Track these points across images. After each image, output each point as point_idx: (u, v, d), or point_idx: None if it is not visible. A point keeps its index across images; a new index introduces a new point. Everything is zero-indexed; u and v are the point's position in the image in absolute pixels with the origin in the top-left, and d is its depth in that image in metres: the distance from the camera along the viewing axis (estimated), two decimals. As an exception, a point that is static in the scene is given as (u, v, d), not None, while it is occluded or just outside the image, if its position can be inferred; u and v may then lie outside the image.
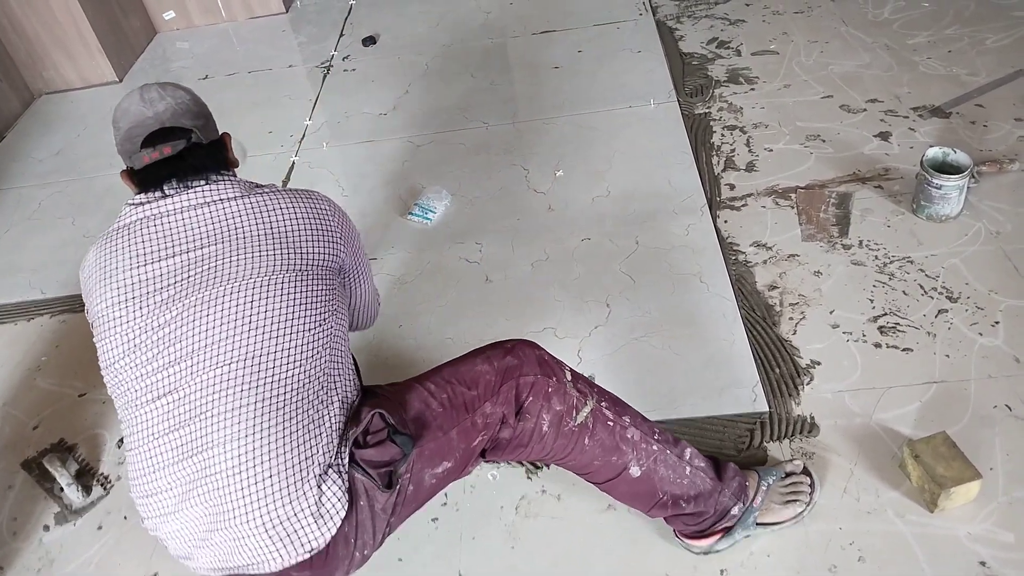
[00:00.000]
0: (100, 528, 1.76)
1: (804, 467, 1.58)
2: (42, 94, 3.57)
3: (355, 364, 1.40)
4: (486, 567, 1.55)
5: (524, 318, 2.04)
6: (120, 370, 1.24)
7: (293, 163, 2.78)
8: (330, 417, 1.21)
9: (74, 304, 2.35)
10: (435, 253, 2.30)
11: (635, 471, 1.39)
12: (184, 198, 1.29)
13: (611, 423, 1.38)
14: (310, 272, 1.28)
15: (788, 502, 1.51)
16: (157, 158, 1.29)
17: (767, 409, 1.73)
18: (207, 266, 1.25)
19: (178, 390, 1.19)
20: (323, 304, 1.28)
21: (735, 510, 1.46)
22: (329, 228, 1.35)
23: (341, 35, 3.58)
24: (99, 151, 3.08)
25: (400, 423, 1.24)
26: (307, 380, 1.21)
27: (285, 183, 2.68)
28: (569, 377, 1.37)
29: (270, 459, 1.14)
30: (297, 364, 1.20)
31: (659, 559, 1.51)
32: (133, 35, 3.70)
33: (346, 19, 3.70)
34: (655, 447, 1.40)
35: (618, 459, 1.38)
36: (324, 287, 1.30)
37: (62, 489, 1.80)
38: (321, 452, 1.18)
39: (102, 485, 1.84)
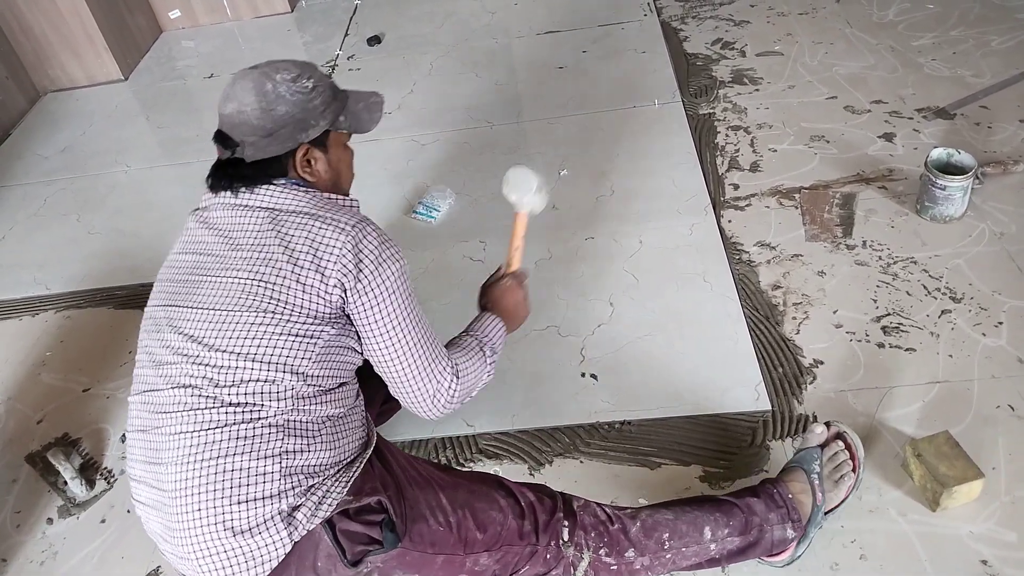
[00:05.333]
0: (103, 522, 1.76)
1: (832, 431, 1.53)
2: (48, 92, 3.58)
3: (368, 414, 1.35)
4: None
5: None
6: (139, 343, 1.29)
7: (298, 161, 2.78)
8: (280, 462, 1.15)
9: (79, 300, 2.36)
10: (439, 251, 2.30)
11: None
12: (226, 196, 1.29)
13: (614, 567, 1.34)
14: (280, 314, 1.18)
15: (839, 479, 1.49)
16: (218, 155, 1.32)
17: (770, 408, 1.73)
18: (196, 276, 1.25)
19: (150, 392, 1.22)
20: (279, 357, 1.18)
21: (790, 532, 1.41)
22: (320, 267, 1.20)
23: (346, 35, 3.59)
24: (104, 149, 3.09)
25: (400, 516, 1.21)
26: (248, 426, 1.15)
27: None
28: (566, 536, 1.32)
29: (199, 493, 1.13)
30: (236, 409, 1.16)
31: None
32: (139, 33, 3.72)
33: (351, 19, 3.71)
34: (668, 555, 1.37)
35: None
36: (294, 337, 1.19)
37: (66, 483, 1.80)
38: (260, 500, 1.13)
39: (105, 479, 1.84)
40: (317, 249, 1.21)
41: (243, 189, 1.28)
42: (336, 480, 1.19)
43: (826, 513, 1.47)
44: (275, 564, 1.14)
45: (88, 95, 3.51)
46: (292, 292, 1.20)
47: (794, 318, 1.92)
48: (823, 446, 1.52)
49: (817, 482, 1.46)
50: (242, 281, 1.21)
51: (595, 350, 1.93)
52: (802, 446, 1.54)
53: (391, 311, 1.25)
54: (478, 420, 1.82)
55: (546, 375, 1.89)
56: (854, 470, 1.51)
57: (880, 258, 2.03)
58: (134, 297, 2.34)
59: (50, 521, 1.78)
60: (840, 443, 1.53)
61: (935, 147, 2.13)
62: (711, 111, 2.67)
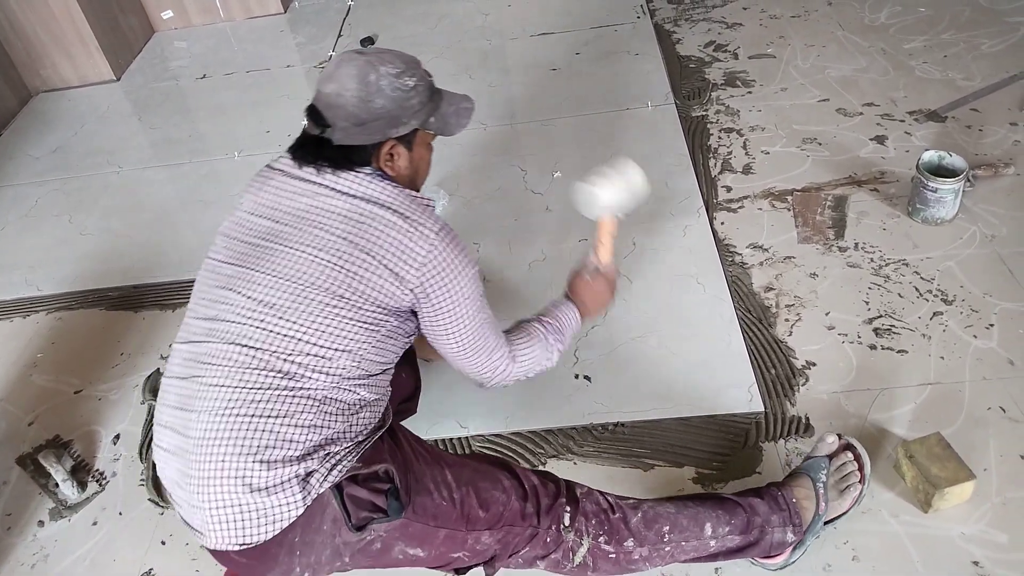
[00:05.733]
0: (95, 524, 1.75)
1: (842, 441, 1.54)
2: (39, 92, 3.56)
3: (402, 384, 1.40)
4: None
5: (521, 319, 2.04)
6: (194, 292, 1.33)
7: (291, 162, 2.78)
8: (309, 433, 1.18)
9: (70, 302, 2.35)
10: (432, 253, 2.30)
11: (655, 571, 1.41)
12: (310, 169, 1.31)
13: (612, 555, 1.35)
14: (355, 302, 1.23)
15: (844, 490, 1.49)
16: (306, 128, 1.34)
17: (762, 409, 1.73)
18: (271, 242, 1.27)
19: (200, 343, 1.24)
20: (342, 339, 1.22)
21: (789, 536, 1.42)
22: (400, 271, 1.24)
23: (339, 36, 3.58)
24: (96, 149, 3.08)
25: (404, 487, 1.23)
26: (289, 394, 1.19)
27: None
28: (568, 522, 1.34)
29: (226, 445, 1.16)
30: (283, 376, 1.20)
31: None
32: (131, 34, 3.70)
33: (344, 20, 3.71)
34: (667, 548, 1.38)
35: (631, 574, 1.39)
36: (362, 323, 1.24)
37: (57, 485, 1.79)
38: (282, 462, 1.16)
39: (97, 481, 1.84)
40: (401, 252, 1.25)
41: (327, 170, 1.29)
42: (350, 452, 1.22)
43: (827, 523, 1.48)
44: (285, 525, 1.17)
45: (80, 95, 3.49)
46: (370, 284, 1.24)
47: (786, 320, 1.93)
48: (832, 456, 1.53)
49: (822, 491, 1.46)
50: (323, 263, 1.23)
51: (588, 352, 1.93)
52: (811, 454, 1.55)
53: (459, 315, 1.32)
54: (472, 422, 1.82)
55: (539, 377, 1.89)
56: (861, 482, 1.51)
57: (872, 260, 2.04)
58: (126, 298, 2.33)
59: (41, 523, 1.77)
60: (849, 454, 1.53)
61: (926, 150, 2.14)
62: (704, 113, 2.68)
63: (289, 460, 1.16)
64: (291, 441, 1.17)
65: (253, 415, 1.17)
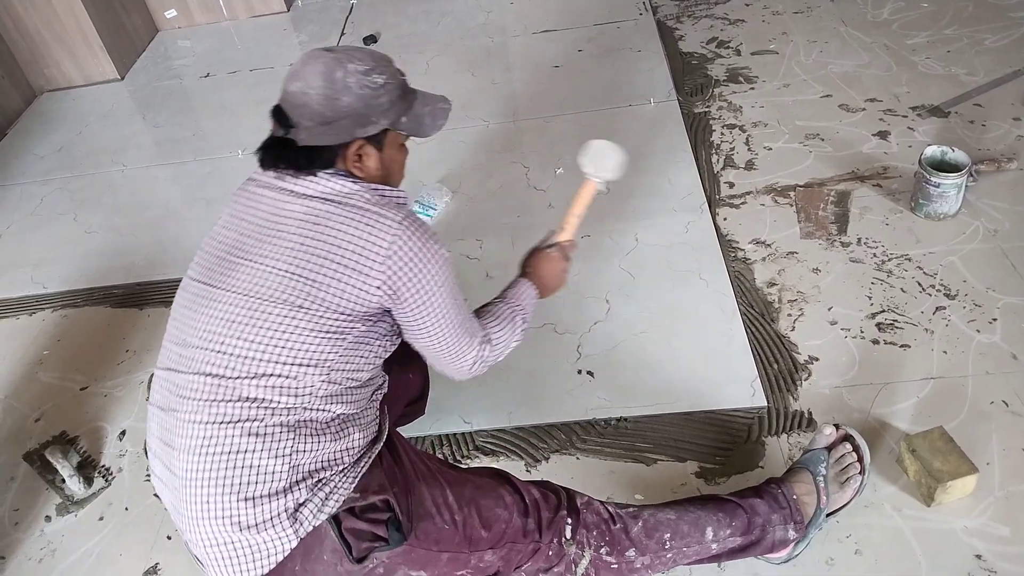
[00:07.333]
0: (101, 519, 1.76)
1: (840, 432, 1.54)
2: (44, 91, 3.58)
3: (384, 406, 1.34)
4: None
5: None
6: (171, 310, 1.29)
7: (294, 160, 2.78)
8: (290, 461, 1.14)
9: (75, 299, 2.36)
10: (435, 249, 2.30)
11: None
12: (271, 175, 1.26)
13: (615, 565, 1.35)
14: (315, 311, 1.16)
15: (844, 482, 1.49)
16: (272, 131, 1.28)
17: (765, 404, 1.74)
18: (235, 257, 1.22)
19: (173, 372, 1.21)
20: (304, 353, 1.16)
21: (791, 533, 1.42)
22: (363, 269, 1.17)
23: (342, 34, 3.59)
24: (100, 148, 3.09)
25: (405, 513, 1.20)
26: (260, 424, 1.14)
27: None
28: (569, 534, 1.33)
29: (209, 486, 1.13)
30: (252, 404, 1.15)
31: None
32: (135, 33, 3.71)
33: (347, 18, 3.71)
34: (669, 555, 1.38)
35: None
36: (325, 334, 1.17)
37: (64, 480, 1.80)
38: (267, 497, 1.13)
39: (103, 477, 1.85)
40: (363, 248, 1.18)
41: (288, 173, 1.23)
42: (343, 475, 1.18)
43: (828, 515, 1.48)
44: (280, 558, 1.14)
45: (84, 94, 3.51)
46: (331, 290, 1.17)
47: (789, 315, 1.93)
48: (830, 448, 1.53)
49: (823, 484, 1.46)
50: (280, 272, 1.18)
51: (591, 347, 1.94)
52: (809, 447, 1.55)
53: (433, 306, 1.25)
54: (475, 417, 1.82)
55: (542, 372, 1.90)
56: (861, 472, 1.51)
57: (875, 255, 2.04)
58: (131, 296, 2.34)
59: (48, 519, 1.78)
60: (848, 445, 1.53)
61: (929, 145, 2.14)
62: (706, 109, 2.68)
63: (274, 494, 1.13)
64: (271, 473, 1.13)
65: (229, 452, 1.13)
